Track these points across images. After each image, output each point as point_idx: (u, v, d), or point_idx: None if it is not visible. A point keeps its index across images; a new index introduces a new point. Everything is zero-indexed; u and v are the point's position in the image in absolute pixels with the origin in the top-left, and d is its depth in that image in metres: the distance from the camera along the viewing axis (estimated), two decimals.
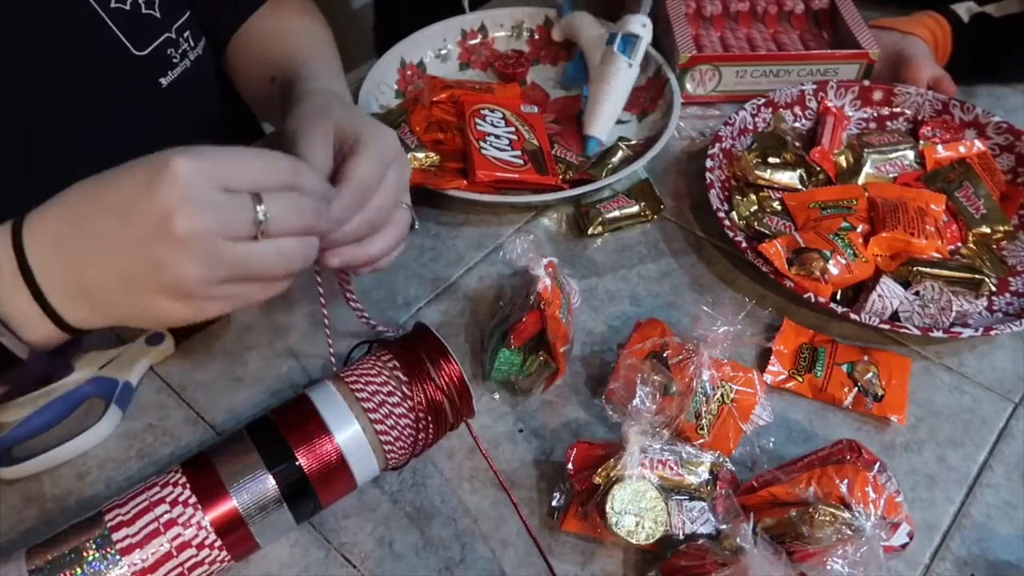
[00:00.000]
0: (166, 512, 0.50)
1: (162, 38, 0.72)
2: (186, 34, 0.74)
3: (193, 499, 0.51)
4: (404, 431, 0.56)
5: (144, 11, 0.70)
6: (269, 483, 0.52)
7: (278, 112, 0.69)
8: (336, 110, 0.60)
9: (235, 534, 0.52)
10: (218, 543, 0.51)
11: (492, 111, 0.87)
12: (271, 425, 0.55)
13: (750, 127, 0.88)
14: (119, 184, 0.46)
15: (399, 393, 0.56)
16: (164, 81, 0.73)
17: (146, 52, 0.71)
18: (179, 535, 0.50)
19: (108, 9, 0.67)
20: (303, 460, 0.53)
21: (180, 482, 0.52)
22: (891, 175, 0.84)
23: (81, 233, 0.47)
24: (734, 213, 0.79)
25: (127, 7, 0.69)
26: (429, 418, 0.57)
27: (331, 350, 0.63)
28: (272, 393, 0.67)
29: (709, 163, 0.81)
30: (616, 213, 0.80)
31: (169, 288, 0.46)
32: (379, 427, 0.55)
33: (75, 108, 0.68)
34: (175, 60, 0.73)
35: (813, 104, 0.91)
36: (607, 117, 0.89)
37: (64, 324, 0.49)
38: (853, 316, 0.68)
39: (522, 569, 0.57)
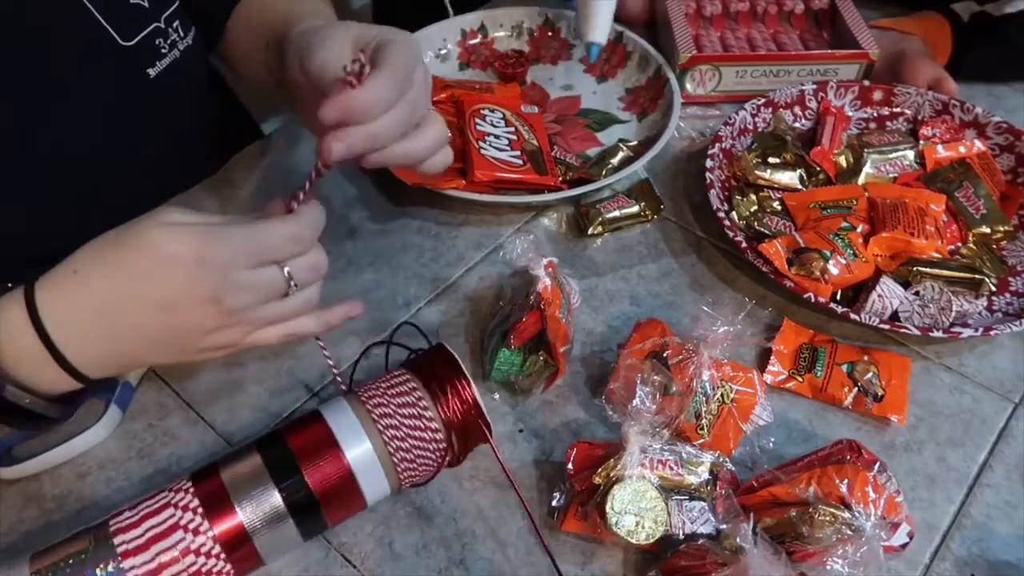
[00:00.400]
0: (173, 525, 0.50)
1: (150, 28, 0.71)
2: (175, 24, 0.73)
3: (200, 509, 0.50)
4: (418, 453, 0.55)
5: (132, 1, 0.69)
6: (276, 498, 0.51)
7: (274, 73, 0.68)
8: (351, 24, 0.58)
9: (241, 549, 0.51)
10: (223, 555, 0.50)
11: (492, 111, 0.87)
12: (281, 440, 0.54)
13: (750, 127, 0.88)
14: (159, 282, 0.48)
15: (416, 416, 0.55)
16: (152, 72, 0.72)
17: (133, 42, 0.70)
18: (186, 547, 0.49)
19: None
20: (310, 475, 0.52)
21: (188, 490, 0.51)
22: (891, 175, 0.84)
23: (119, 323, 0.50)
24: (734, 213, 0.79)
25: None
26: (444, 442, 0.56)
27: (331, 363, 0.61)
28: (272, 393, 0.67)
29: (709, 163, 0.81)
30: (616, 213, 0.80)
31: (210, 347, 0.52)
32: (392, 447, 0.54)
33: (62, 99, 0.67)
34: (163, 51, 0.72)
35: (813, 104, 0.91)
36: (603, 18, 0.87)
37: (88, 380, 0.52)
38: (853, 316, 0.68)
39: (522, 569, 0.57)
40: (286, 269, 0.51)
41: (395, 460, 0.54)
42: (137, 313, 0.49)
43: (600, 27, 0.88)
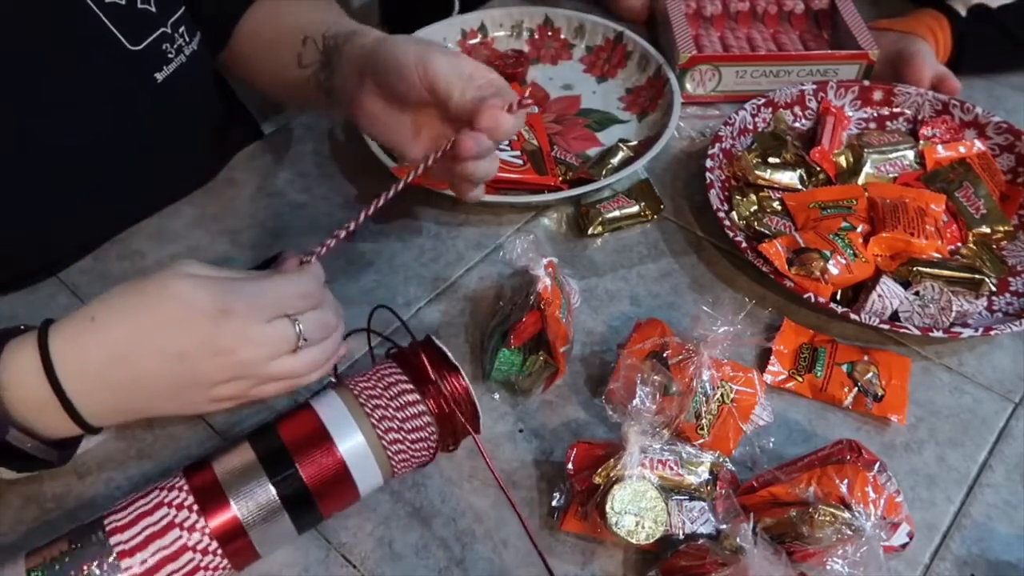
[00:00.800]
0: (166, 517, 0.50)
1: (157, 33, 0.71)
2: (181, 29, 0.74)
3: (194, 507, 0.50)
4: (409, 443, 0.55)
5: (139, 6, 0.70)
6: (270, 491, 0.52)
7: (310, 67, 0.71)
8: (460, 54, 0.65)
9: (235, 543, 0.51)
10: (218, 550, 0.51)
11: None
12: (273, 433, 0.54)
13: (750, 127, 0.88)
14: (180, 332, 0.50)
15: (406, 405, 0.55)
16: (159, 76, 0.72)
17: (141, 47, 0.71)
18: (180, 540, 0.50)
19: (102, 4, 0.67)
20: (304, 468, 0.52)
21: (181, 487, 0.51)
22: (891, 175, 0.84)
23: (134, 372, 0.50)
24: (734, 213, 0.79)
25: (122, 2, 0.68)
26: (435, 431, 0.56)
27: None
28: None
29: (709, 163, 0.81)
30: (616, 213, 0.80)
31: (219, 399, 0.53)
32: (384, 438, 0.54)
33: (70, 103, 0.68)
34: (170, 55, 0.73)
35: (813, 104, 0.91)
36: None
37: (91, 429, 0.53)
38: (853, 316, 0.68)
39: (522, 569, 0.57)
40: (298, 325, 0.53)
41: (388, 451, 0.55)
42: (153, 362, 0.50)
43: None
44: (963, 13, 0.95)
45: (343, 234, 0.58)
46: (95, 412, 0.51)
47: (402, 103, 0.64)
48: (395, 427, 0.55)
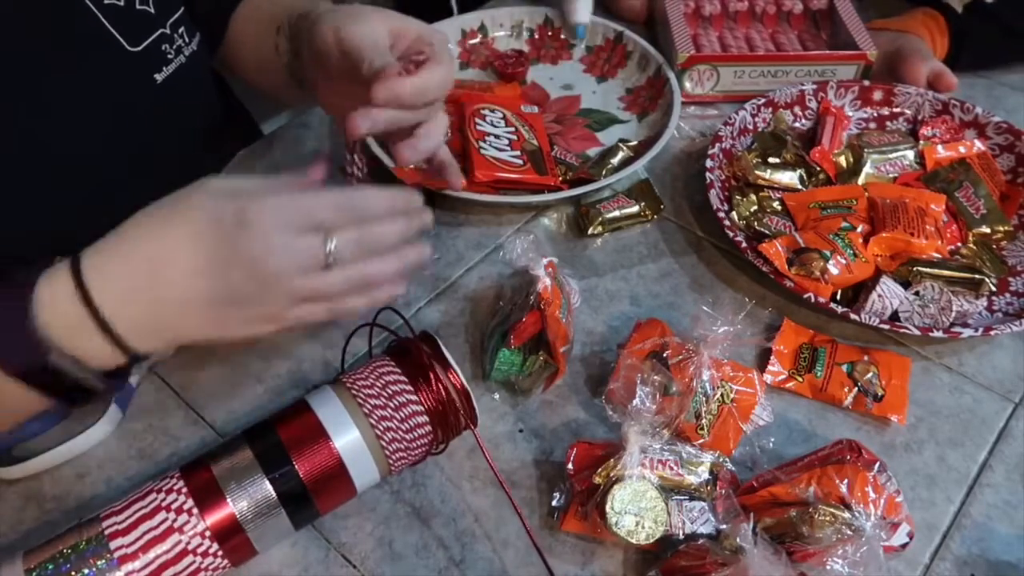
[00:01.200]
0: (164, 518, 0.50)
1: (156, 34, 0.72)
2: (180, 30, 0.74)
3: (191, 504, 0.51)
4: (405, 439, 0.56)
5: (138, 7, 0.70)
6: (266, 488, 0.52)
7: (284, 55, 0.70)
8: (388, 11, 0.61)
9: (233, 540, 0.51)
10: (216, 549, 0.51)
11: (492, 111, 0.87)
12: (270, 430, 0.54)
13: (750, 127, 0.88)
14: (201, 244, 0.49)
15: (402, 400, 0.55)
16: (159, 77, 0.72)
17: (140, 48, 0.71)
18: (177, 541, 0.50)
19: (102, 6, 0.67)
20: (300, 465, 0.53)
21: (178, 488, 0.51)
22: (891, 175, 0.84)
23: (162, 287, 0.49)
24: (734, 213, 0.79)
25: (121, 3, 0.68)
26: (431, 427, 0.56)
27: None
28: (272, 393, 0.67)
29: (709, 163, 0.81)
30: (616, 213, 0.80)
31: (252, 318, 0.51)
32: (380, 434, 0.55)
33: (70, 104, 0.68)
34: (169, 56, 0.73)
35: (813, 104, 0.91)
36: (583, 1, 0.97)
37: (135, 354, 0.51)
38: (853, 316, 0.68)
39: (522, 569, 0.57)
40: (332, 242, 0.50)
41: (384, 447, 0.55)
42: (178, 275, 0.49)
43: (582, 7, 0.97)
44: (959, 10, 0.95)
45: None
46: (132, 330, 0.50)
47: (349, 80, 0.61)
48: (392, 424, 0.55)
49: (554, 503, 0.59)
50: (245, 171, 0.86)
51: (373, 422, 0.54)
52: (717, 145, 0.83)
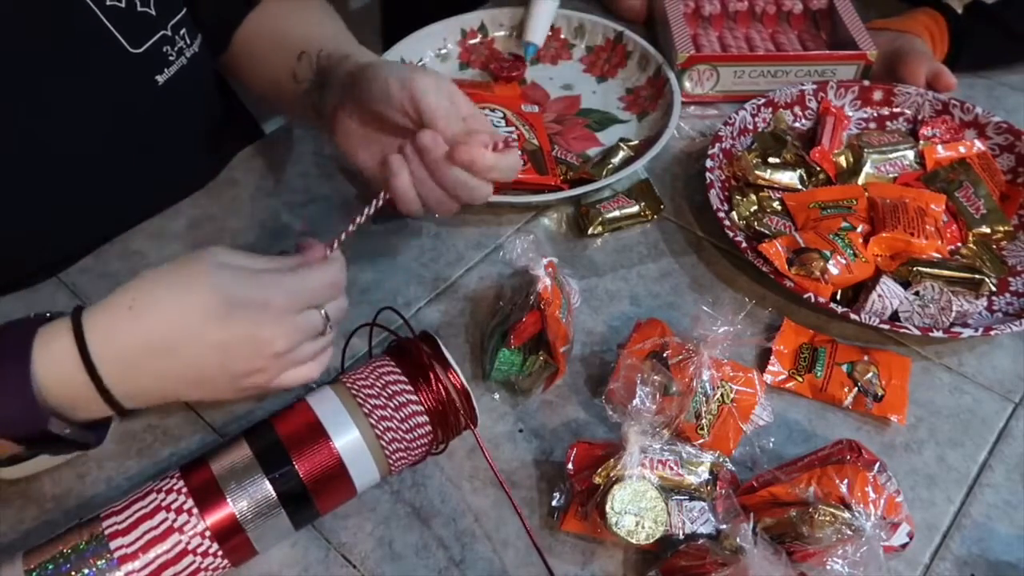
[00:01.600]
0: (164, 518, 0.50)
1: (158, 36, 0.72)
2: (182, 31, 0.74)
3: (191, 504, 0.51)
4: (405, 439, 0.56)
5: (139, 9, 0.70)
6: (266, 488, 0.52)
7: (303, 83, 0.71)
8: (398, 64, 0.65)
9: (233, 540, 0.51)
10: (216, 549, 0.51)
11: (493, 111, 0.87)
12: (270, 430, 0.54)
13: (750, 127, 0.88)
14: (223, 324, 0.50)
15: (402, 400, 0.55)
16: (160, 79, 0.73)
17: (142, 50, 0.71)
18: (177, 541, 0.50)
19: (103, 7, 0.67)
20: (300, 465, 0.53)
21: (178, 488, 0.51)
22: (891, 175, 0.84)
23: (172, 361, 0.51)
24: (734, 213, 0.79)
25: (122, 5, 0.68)
26: (431, 426, 0.56)
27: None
28: (272, 394, 0.67)
29: (709, 163, 0.81)
30: (616, 213, 0.80)
31: (246, 389, 0.55)
32: (380, 434, 0.55)
33: (71, 104, 0.68)
34: (171, 58, 0.73)
35: (813, 104, 0.91)
36: (541, 21, 0.98)
37: (127, 412, 0.53)
38: (853, 316, 0.68)
39: (522, 569, 0.57)
40: (324, 311, 0.55)
41: (384, 447, 0.55)
42: (195, 352, 0.51)
43: (537, 29, 0.98)
44: (959, 11, 0.95)
45: (362, 219, 0.59)
46: (130, 396, 0.52)
47: (379, 125, 0.64)
48: (392, 424, 0.55)
49: (554, 503, 0.59)
50: (245, 171, 0.86)
51: (373, 422, 0.54)
52: (717, 145, 0.83)
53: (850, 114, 0.91)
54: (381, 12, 1.60)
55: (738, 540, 0.49)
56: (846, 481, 0.52)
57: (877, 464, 0.54)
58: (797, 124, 0.91)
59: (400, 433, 0.55)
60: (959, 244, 0.77)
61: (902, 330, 0.67)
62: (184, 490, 0.51)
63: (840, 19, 0.97)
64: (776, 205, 0.80)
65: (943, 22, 0.95)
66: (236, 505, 0.51)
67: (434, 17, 1.01)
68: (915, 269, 0.71)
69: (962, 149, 0.84)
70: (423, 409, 0.56)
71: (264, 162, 0.87)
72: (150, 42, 0.71)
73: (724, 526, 0.55)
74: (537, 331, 0.65)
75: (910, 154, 0.85)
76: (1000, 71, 1.00)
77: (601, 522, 0.54)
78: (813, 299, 0.69)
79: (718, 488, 0.57)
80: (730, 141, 0.85)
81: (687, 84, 0.94)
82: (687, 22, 0.98)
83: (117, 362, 0.50)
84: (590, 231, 0.79)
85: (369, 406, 0.55)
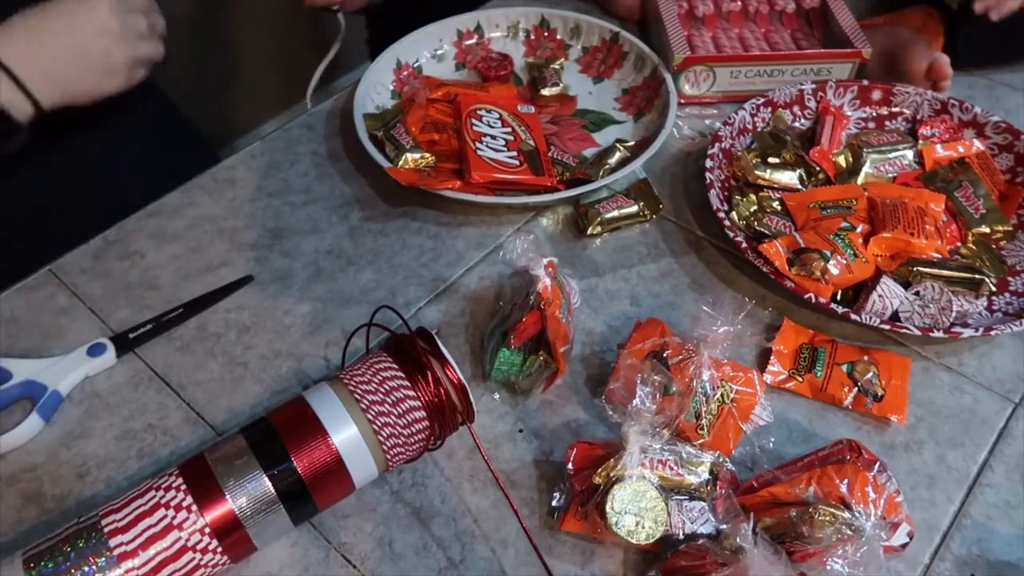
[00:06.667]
0: (163, 516, 0.50)
1: None
2: None
3: (190, 501, 0.51)
4: (403, 434, 0.56)
5: None
6: (265, 485, 0.52)
7: None
8: None
9: (232, 536, 0.51)
10: (215, 545, 0.51)
11: (489, 111, 0.87)
12: (267, 426, 0.55)
13: (749, 127, 0.88)
14: (71, 17, 0.71)
15: (399, 396, 0.56)
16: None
17: None
18: (177, 538, 0.50)
19: None
20: (299, 461, 0.53)
21: (177, 485, 0.51)
22: (890, 175, 0.84)
23: (50, 43, 0.71)
24: (734, 213, 0.79)
25: None
26: (428, 422, 0.57)
27: None
28: (272, 393, 0.67)
29: (709, 163, 0.81)
30: (615, 213, 0.80)
31: (109, 69, 0.74)
32: (378, 429, 0.55)
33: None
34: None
35: (812, 104, 0.91)
36: None
37: (37, 104, 0.70)
38: (853, 316, 0.68)
39: (522, 569, 0.57)
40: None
41: (382, 442, 0.55)
42: (58, 33, 0.70)
43: None
44: (954, 7, 0.95)
45: None
46: (30, 77, 0.68)
47: None
48: (390, 420, 0.55)
49: (554, 503, 0.59)
50: (246, 171, 0.86)
51: (370, 418, 0.54)
52: (717, 145, 0.83)
53: (849, 114, 0.91)
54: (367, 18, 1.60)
55: (738, 540, 0.49)
56: (846, 481, 0.52)
57: (877, 464, 0.54)
58: (796, 124, 0.91)
59: (398, 429, 0.55)
60: (959, 244, 0.77)
61: (902, 330, 0.67)
62: (183, 487, 0.51)
63: (833, 17, 0.97)
64: (776, 205, 0.80)
65: (939, 18, 0.95)
66: (235, 502, 0.51)
67: (425, 20, 1.00)
68: (915, 269, 0.71)
69: (961, 149, 0.84)
70: (420, 404, 0.56)
71: (264, 162, 0.87)
72: None
73: (724, 526, 0.55)
74: (537, 331, 0.65)
75: (909, 154, 0.85)
76: (1000, 70, 1.00)
77: (601, 522, 0.54)
78: (813, 299, 0.69)
79: (718, 488, 0.57)
80: (729, 141, 0.85)
81: (685, 86, 0.94)
82: (681, 23, 0.98)
83: (19, 55, 0.68)
84: (589, 231, 0.79)
85: (367, 402, 0.55)
